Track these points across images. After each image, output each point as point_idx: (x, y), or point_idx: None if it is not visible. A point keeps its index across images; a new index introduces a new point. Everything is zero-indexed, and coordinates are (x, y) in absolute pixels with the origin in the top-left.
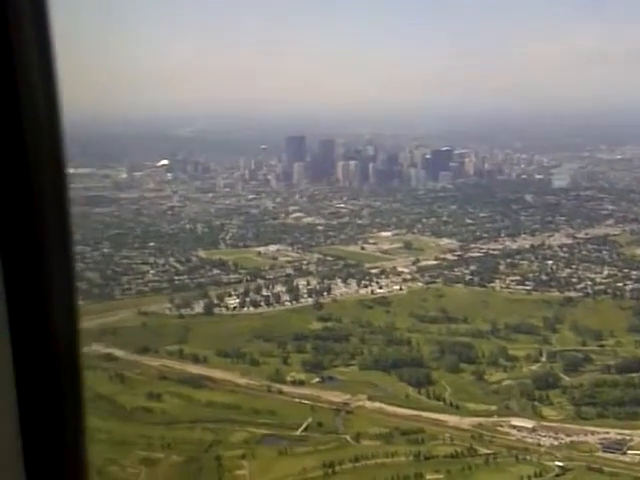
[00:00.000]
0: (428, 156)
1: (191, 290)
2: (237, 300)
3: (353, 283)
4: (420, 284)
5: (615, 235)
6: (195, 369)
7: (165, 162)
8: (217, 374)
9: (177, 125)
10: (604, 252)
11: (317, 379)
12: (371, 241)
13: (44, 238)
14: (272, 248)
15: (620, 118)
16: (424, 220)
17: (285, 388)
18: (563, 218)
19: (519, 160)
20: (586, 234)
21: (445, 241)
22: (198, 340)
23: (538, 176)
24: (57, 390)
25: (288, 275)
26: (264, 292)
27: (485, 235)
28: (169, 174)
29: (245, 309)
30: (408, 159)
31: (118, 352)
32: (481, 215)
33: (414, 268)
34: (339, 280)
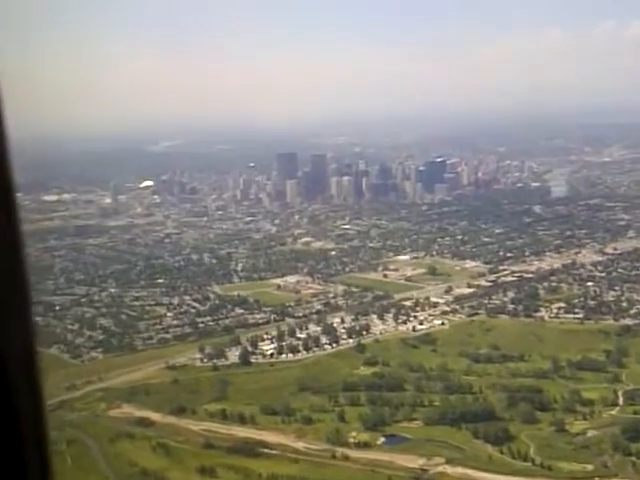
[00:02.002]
0: (422, 168)
1: (218, 335)
2: (272, 345)
3: (390, 319)
4: (461, 316)
5: None
6: (243, 432)
7: (149, 183)
8: (270, 437)
9: (150, 141)
10: None
11: (382, 439)
12: (391, 267)
13: None
14: (291, 279)
15: (598, 119)
16: (439, 240)
17: (351, 453)
18: (583, 232)
19: (510, 167)
20: (615, 249)
21: (470, 263)
22: (239, 396)
23: (534, 184)
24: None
25: (318, 312)
26: (299, 334)
27: (509, 255)
28: (155, 196)
29: (283, 356)
30: (401, 172)
31: (153, 415)
32: (497, 232)
33: (449, 298)
34: (374, 316)
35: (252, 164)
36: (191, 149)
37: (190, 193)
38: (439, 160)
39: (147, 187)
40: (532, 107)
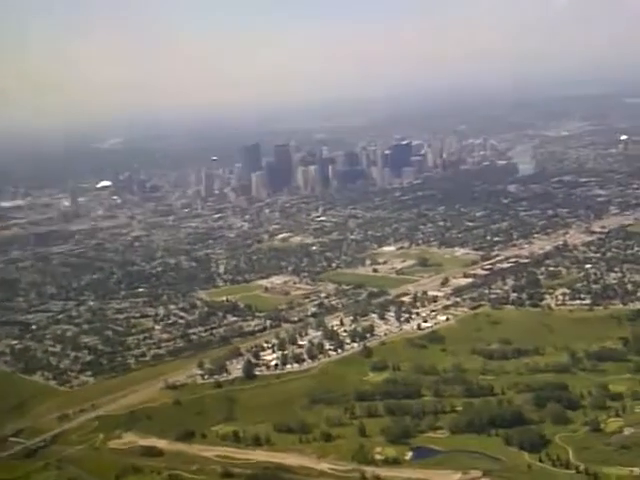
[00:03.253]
0: (387, 152)
1: (214, 346)
2: (275, 355)
3: (391, 318)
4: (464, 310)
5: (630, 225)
6: (261, 455)
7: (106, 183)
8: (290, 460)
9: (96, 139)
10: (636, 248)
11: (410, 453)
12: (380, 260)
13: None
14: (277, 280)
15: (550, 92)
16: (421, 227)
17: (381, 472)
18: (564, 210)
19: (473, 146)
20: (602, 227)
21: (460, 251)
22: (248, 414)
23: (500, 162)
24: None
25: (315, 315)
26: (300, 341)
27: (497, 239)
28: (115, 197)
29: (288, 366)
30: (365, 157)
31: (159, 442)
32: (478, 215)
33: (448, 290)
34: (374, 315)
35: (214, 157)
36: (141, 145)
37: (151, 191)
38: (404, 143)
39: (105, 187)
40: (479, 84)
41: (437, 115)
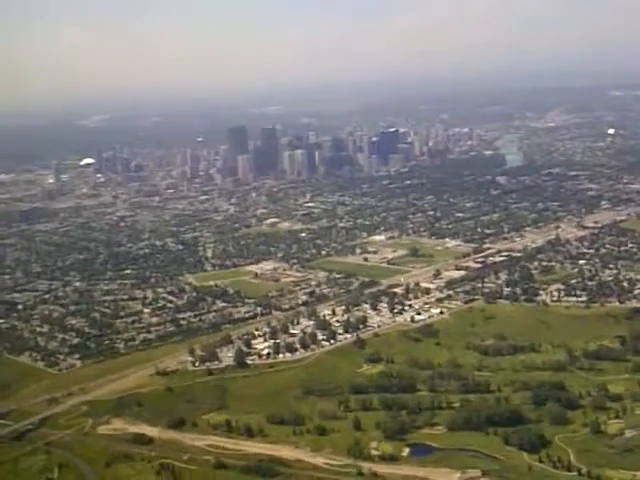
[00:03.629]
0: (374, 139)
1: (204, 332)
2: (267, 344)
3: (384, 309)
4: (458, 303)
5: (623, 220)
6: (253, 447)
7: (90, 161)
8: (284, 452)
9: (79, 116)
10: (630, 244)
11: (407, 449)
12: (370, 249)
13: None
14: (266, 266)
15: (533, 83)
16: (410, 217)
17: (378, 468)
18: (555, 204)
19: (460, 135)
20: (595, 223)
21: (451, 242)
22: (240, 403)
23: (487, 152)
24: None
25: (306, 303)
26: (292, 329)
27: (488, 231)
28: (99, 175)
29: (280, 355)
30: (352, 143)
31: (150, 430)
32: (468, 205)
33: (440, 283)
34: (367, 306)
35: (200, 139)
36: (124, 123)
37: (135, 170)
38: (391, 130)
39: (88, 165)
40: (463, 73)
41: (418, 102)
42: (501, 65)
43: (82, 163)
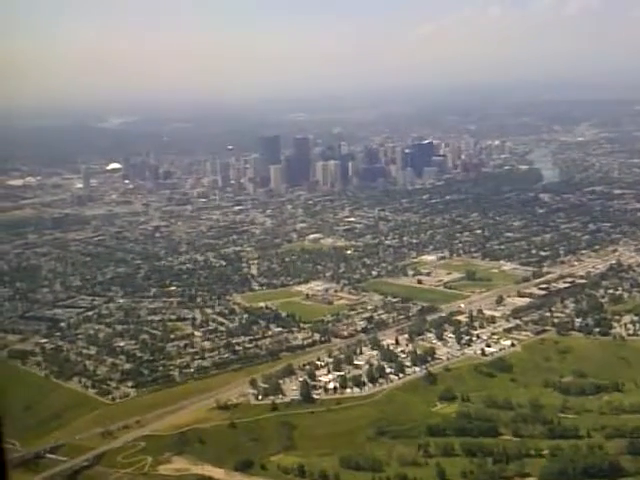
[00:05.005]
0: (407, 150)
1: (262, 360)
2: (331, 376)
3: (450, 339)
4: (528, 334)
5: None
6: None
7: (116, 166)
8: None
9: (97, 118)
10: None
11: None
12: (423, 271)
13: None
14: (317, 287)
15: (557, 95)
16: (458, 235)
17: None
18: (607, 225)
19: (491, 148)
20: None
21: (507, 265)
22: (310, 443)
23: (522, 166)
24: None
25: (365, 330)
26: (356, 360)
27: (543, 254)
28: (127, 181)
29: (348, 390)
30: (383, 154)
31: (215, 472)
32: (516, 224)
33: (505, 311)
34: (431, 335)
35: (230, 147)
36: (144, 127)
37: (164, 177)
38: (425, 142)
39: (115, 170)
40: (487, 83)
41: (441, 112)
42: (525, 75)
43: (109, 168)
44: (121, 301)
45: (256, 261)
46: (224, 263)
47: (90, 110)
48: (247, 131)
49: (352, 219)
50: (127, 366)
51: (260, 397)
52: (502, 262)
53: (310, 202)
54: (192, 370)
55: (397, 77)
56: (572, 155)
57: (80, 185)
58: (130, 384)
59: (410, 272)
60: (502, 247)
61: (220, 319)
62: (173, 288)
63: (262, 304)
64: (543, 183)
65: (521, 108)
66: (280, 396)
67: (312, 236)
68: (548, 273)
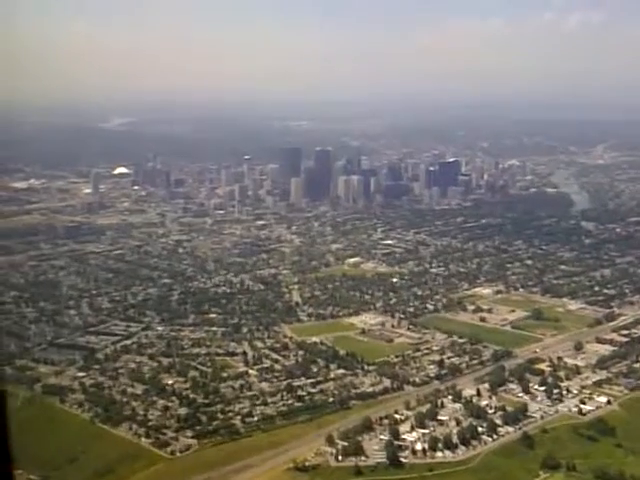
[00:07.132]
0: (432, 168)
1: (331, 409)
2: (416, 435)
3: (539, 393)
4: (622, 390)
5: None
6: None
7: (124, 170)
8: None
9: (99, 118)
10: None
11: None
12: (483, 307)
13: None
14: (370, 320)
15: (568, 115)
16: (508, 265)
17: None
18: None
19: (513, 168)
20: None
21: (573, 304)
22: None
23: (549, 189)
24: None
25: (439, 377)
26: (441, 416)
27: (607, 292)
28: (136, 187)
29: (439, 454)
30: (404, 170)
31: None
32: (567, 255)
33: (589, 360)
34: (514, 386)
35: (247, 156)
36: (148, 128)
37: (176, 185)
38: (451, 160)
39: (122, 174)
40: (496, 98)
41: (451, 127)
42: (535, 92)
43: (116, 172)
44: (159, 329)
45: (296, 286)
46: (262, 287)
47: (90, 110)
48: (250, 138)
49: (389, 242)
50: (182, 411)
51: (340, 458)
52: (566, 300)
53: (339, 220)
54: (256, 419)
55: (395, 85)
56: (596, 179)
57: (88, 190)
58: (189, 434)
59: (469, 307)
60: (560, 282)
61: (273, 355)
62: (214, 315)
63: (315, 339)
64: (577, 209)
65: (533, 127)
66: (362, 457)
67: (352, 260)
68: (620, 315)
